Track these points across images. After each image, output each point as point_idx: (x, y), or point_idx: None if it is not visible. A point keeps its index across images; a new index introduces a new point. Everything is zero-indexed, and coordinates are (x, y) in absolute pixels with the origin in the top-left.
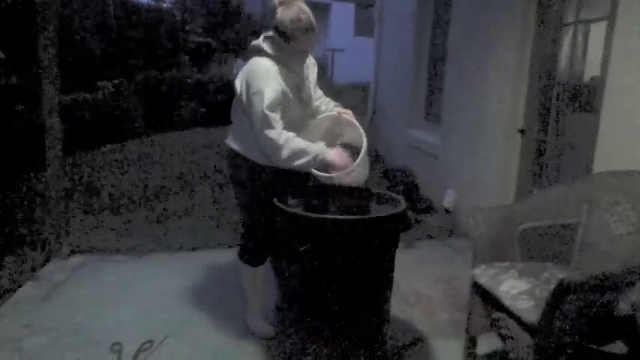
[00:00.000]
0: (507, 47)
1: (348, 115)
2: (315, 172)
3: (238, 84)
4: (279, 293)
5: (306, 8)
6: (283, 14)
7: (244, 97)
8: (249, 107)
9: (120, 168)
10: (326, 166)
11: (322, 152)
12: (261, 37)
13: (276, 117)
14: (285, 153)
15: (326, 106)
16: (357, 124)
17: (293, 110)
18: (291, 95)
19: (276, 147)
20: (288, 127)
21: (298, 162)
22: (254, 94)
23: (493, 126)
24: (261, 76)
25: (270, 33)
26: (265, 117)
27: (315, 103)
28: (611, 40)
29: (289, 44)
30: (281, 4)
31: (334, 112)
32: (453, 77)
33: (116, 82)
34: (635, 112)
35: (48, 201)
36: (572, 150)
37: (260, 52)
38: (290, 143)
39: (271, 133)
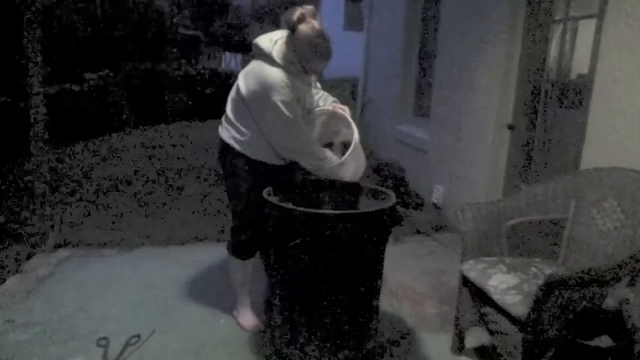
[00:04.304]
0: (497, 43)
1: (345, 110)
2: (307, 166)
3: (243, 85)
4: (268, 287)
5: (326, 32)
6: (302, 34)
7: (255, 105)
8: (266, 120)
9: (106, 161)
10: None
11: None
12: (271, 41)
13: (303, 128)
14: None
15: (324, 101)
16: (351, 120)
17: (301, 118)
18: (296, 105)
19: (320, 163)
20: None
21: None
22: (272, 108)
23: (482, 122)
24: (276, 88)
25: (282, 40)
26: (304, 140)
27: (315, 97)
28: (600, 37)
29: (301, 63)
30: (300, 21)
31: (330, 107)
32: (442, 73)
33: (102, 73)
34: (623, 109)
35: (33, 194)
36: (560, 146)
37: (269, 59)
38: (330, 160)
39: (316, 153)
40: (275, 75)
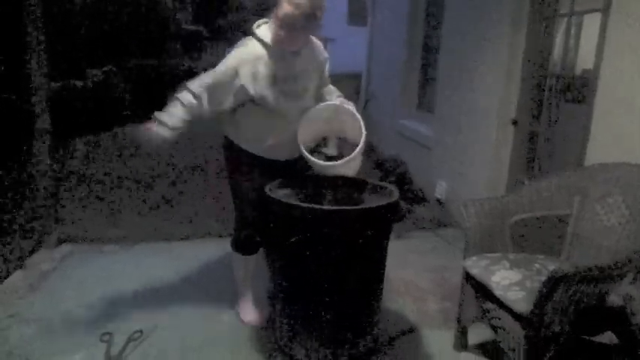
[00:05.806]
0: (501, 37)
1: (350, 106)
2: (311, 160)
3: None
4: (271, 282)
5: None
6: None
7: None
8: None
9: (110, 156)
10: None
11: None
12: (258, 24)
13: (205, 79)
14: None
15: (330, 96)
16: (358, 115)
17: (277, 101)
18: (269, 84)
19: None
20: (273, 118)
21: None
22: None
23: (486, 117)
24: (234, 53)
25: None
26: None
27: (320, 90)
28: (605, 31)
29: (276, 17)
30: None
31: (336, 102)
32: (446, 67)
33: (106, 69)
34: (628, 104)
35: (37, 189)
36: (564, 141)
37: (251, 34)
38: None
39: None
40: (245, 45)
